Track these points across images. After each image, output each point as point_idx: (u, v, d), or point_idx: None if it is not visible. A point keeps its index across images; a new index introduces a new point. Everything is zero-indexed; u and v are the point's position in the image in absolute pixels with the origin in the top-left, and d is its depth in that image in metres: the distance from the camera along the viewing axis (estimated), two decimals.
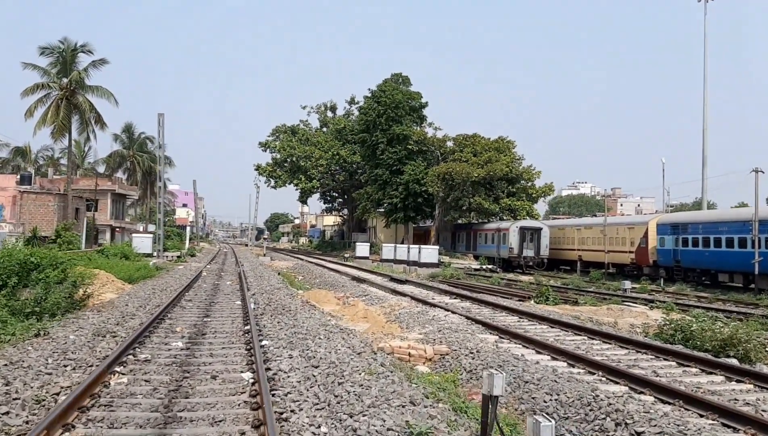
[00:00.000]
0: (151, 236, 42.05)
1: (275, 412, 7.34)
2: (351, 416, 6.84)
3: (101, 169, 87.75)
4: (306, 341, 11.43)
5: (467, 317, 17.22)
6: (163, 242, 44.95)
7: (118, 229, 73.03)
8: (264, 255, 58.88)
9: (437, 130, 74.94)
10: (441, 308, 19.41)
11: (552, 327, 16.59)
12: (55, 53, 51.29)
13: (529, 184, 65.04)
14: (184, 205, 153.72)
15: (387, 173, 68.10)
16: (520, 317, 18.45)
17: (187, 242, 71.55)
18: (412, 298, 22.58)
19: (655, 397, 9.53)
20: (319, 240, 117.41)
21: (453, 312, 18.27)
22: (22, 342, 11.00)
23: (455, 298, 24.22)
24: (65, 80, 51.09)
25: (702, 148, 53.74)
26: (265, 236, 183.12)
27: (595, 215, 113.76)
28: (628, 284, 34.86)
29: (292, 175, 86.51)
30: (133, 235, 46.05)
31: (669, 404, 9.17)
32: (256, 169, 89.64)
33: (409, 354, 12.84)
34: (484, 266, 51.55)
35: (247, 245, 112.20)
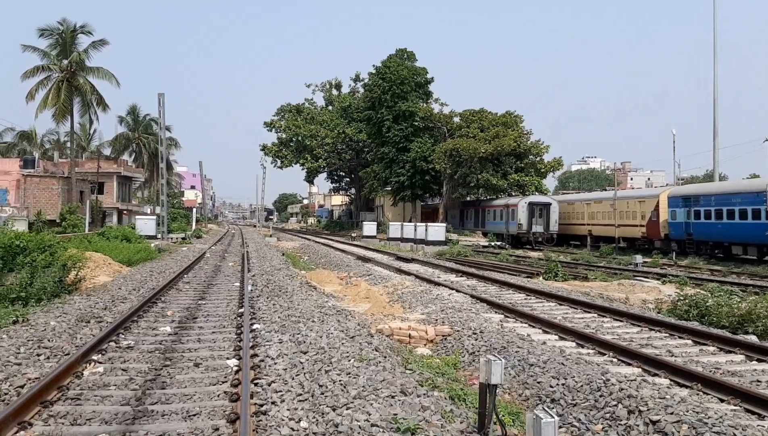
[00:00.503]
0: (155, 217, 41.54)
1: (255, 404, 6.73)
2: (334, 409, 6.21)
3: (107, 152, 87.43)
4: (298, 325, 10.81)
5: (472, 296, 16.56)
6: (168, 223, 44.44)
7: (125, 211, 72.64)
8: (270, 236, 58.38)
9: (444, 106, 74.03)
10: (445, 286, 18.76)
11: (560, 304, 15.91)
12: (55, 35, 50.58)
13: (538, 159, 64.04)
14: (192, 187, 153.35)
15: (393, 151, 67.25)
16: (528, 295, 17.78)
17: (194, 223, 71.13)
18: (417, 277, 21.94)
19: (671, 380, 8.85)
20: (327, 220, 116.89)
21: (458, 291, 17.62)
22: None
23: (461, 276, 23.57)
24: (65, 62, 50.41)
25: (713, 119, 52.43)
26: (271, 217, 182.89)
27: (605, 190, 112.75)
28: (639, 259, 34.12)
29: (298, 154, 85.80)
30: (137, 217, 45.58)
31: (686, 387, 8.49)
32: (262, 150, 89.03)
33: (410, 336, 12.21)
34: (492, 243, 50.87)
35: (255, 226, 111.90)
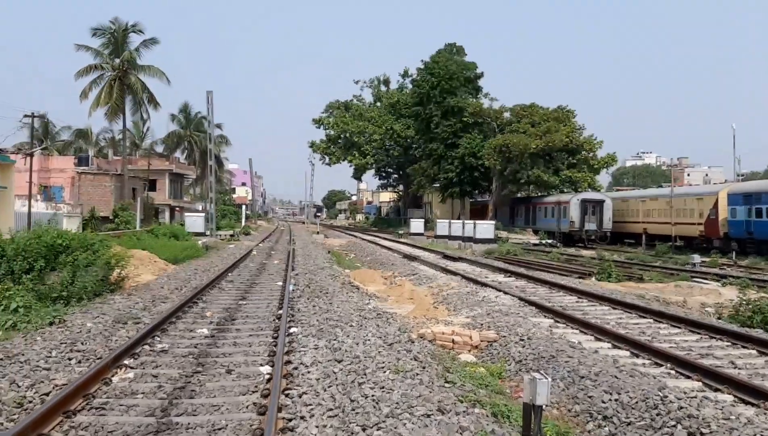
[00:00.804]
0: (203, 215, 41.88)
1: (283, 418, 6.34)
2: (364, 430, 5.76)
3: (160, 149, 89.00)
4: (336, 330, 10.42)
5: (521, 298, 15.92)
6: (216, 220, 44.78)
7: (177, 208, 73.74)
8: (317, 233, 58.42)
9: (493, 101, 72.95)
10: (493, 287, 18.15)
11: (614, 308, 15.14)
12: (107, 34, 51.54)
13: (591, 154, 62.51)
14: (243, 184, 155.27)
15: (442, 147, 66.55)
16: (579, 297, 17.03)
17: (243, 220, 71.71)
18: (463, 277, 21.36)
19: (735, 396, 8.13)
20: (375, 217, 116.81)
21: (505, 292, 16.99)
22: (34, 331, 10.33)
23: (509, 276, 22.89)
24: (117, 61, 51.32)
25: None
26: (320, 214, 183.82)
27: (661, 186, 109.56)
28: (697, 258, 32.80)
29: (345, 151, 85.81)
30: (186, 214, 46.05)
31: (752, 405, 7.78)
32: (310, 147, 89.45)
33: (453, 341, 11.69)
34: (543, 241, 49.77)
35: (303, 223, 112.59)
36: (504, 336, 11.72)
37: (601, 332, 11.96)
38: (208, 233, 41.54)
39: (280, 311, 12.73)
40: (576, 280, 23.49)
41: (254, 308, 13.93)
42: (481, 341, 11.77)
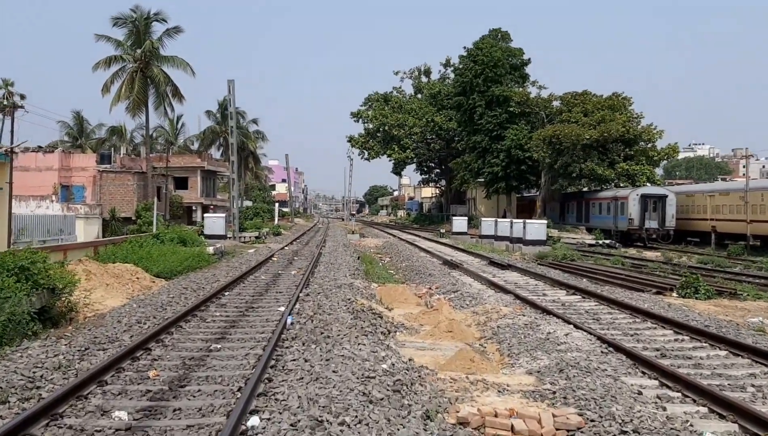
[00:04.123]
0: (224, 215, 38.36)
1: None
2: None
3: (195, 146, 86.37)
4: (326, 415, 6.28)
5: (601, 338, 11.54)
6: (239, 221, 41.14)
7: (211, 206, 70.69)
8: (353, 232, 54.46)
9: (542, 89, 67.84)
10: (557, 316, 13.79)
11: (737, 355, 10.67)
12: (128, 23, 48.33)
13: (649, 145, 57.05)
14: (283, 181, 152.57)
15: (486, 139, 61.87)
16: (677, 332, 12.54)
17: (276, 218, 68.23)
18: (516, 296, 17.02)
19: None
20: (417, 213, 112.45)
21: (576, 327, 12.62)
22: None
23: (573, 293, 18.45)
24: (138, 51, 48.07)
25: None
26: (360, 211, 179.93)
27: (718, 179, 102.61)
28: None
29: (385, 145, 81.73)
30: (205, 215, 42.60)
31: None
32: (349, 141, 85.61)
33: (512, 429, 7.49)
34: (599, 241, 44.88)
35: (343, 220, 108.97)
36: (592, 420, 7.44)
37: (744, 414, 7.56)
38: (230, 235, 37.93)
39: (253, 370, 8.66)
40: (655, 296, 19.02)
41: (225, 360, 9.93)
42: (558, 427, 7.50)
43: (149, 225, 41.87)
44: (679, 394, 8.55)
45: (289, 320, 12.30)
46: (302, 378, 8.25)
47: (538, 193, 63.84)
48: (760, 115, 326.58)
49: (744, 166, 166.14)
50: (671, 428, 7.03)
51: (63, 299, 12.47)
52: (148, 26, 49.21)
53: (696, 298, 19.05)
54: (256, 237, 41.81)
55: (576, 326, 12.59)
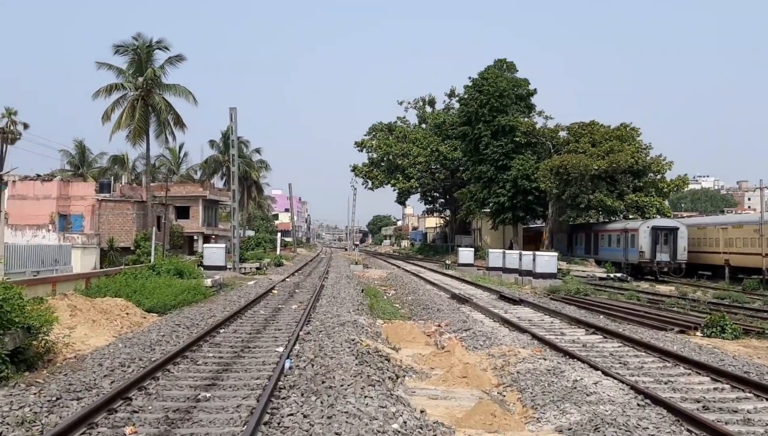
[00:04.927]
0: (224, 246, 37.26)
1: None
2: None
3: (198, 176, 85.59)
4: None
5: (634, 388, 10.36)
6: (239, 251, 40.02)
7: (212, 236, 69.67)
8: (356, 263, 53.27)
9: (548, 119, 67.24)
10: (582, 360, 12.60)
11: None
12: (130, 51, 47.78)
13: (659, 177, 56.10)
14: (287, 210, 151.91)
15: (492, 169, 61.03)
16: (715, 381, 11.35)
17: (278, 248, 67.08)
18: (534, 335, 15.83)
19: None
20: (421, 243, 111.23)
21: (605, 374, 11.43)
22: None
23: (592, 332, 17.25)
24: (140, 79, 47.44)
25: None
26: (363, 241, 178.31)
27: (723, 212, 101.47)
28: None
29: (389, 175, 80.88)
30: (205, 246, 41.57)
31: None
32: (352, 170, 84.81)
33: None
34: (611, 275, 43.62)
35: (346, 250, 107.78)
36: None
37: None
38: (230, 266, 36.79)
39: (245, 428, 7.51)
40: (678, 335, 17.84)
41: (213, 412, 8.78)
42: None
43: (148, 255, 40.78)
44: None
45: (287, 365, 11.16)
46: None
47: (545, 225, 62.78)
48: (761, 145, 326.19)
49: (749, 199, 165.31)
50: None
51: (40, 338, 11.36)
52: (150, 54, 48.63)
53: (723, 337, 17.87)
54: (257, 268, 40.66)
55: (605, 373, 11.40)
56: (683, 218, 55.01)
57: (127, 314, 16.63)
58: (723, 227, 46.28)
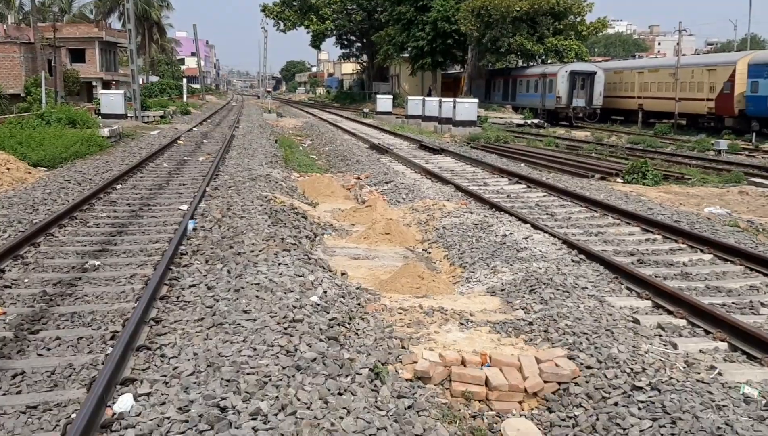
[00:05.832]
0: (122, 93, 34.31)
1: None
2: None
3: (92, 16, 78.34)
4: (232, 420, 4.14)
5: (566, 242, 9.78)
6: (140, 98, 37.08)
7: (112, 82, 64.87)
8: (269, 111, 50.92)
9: None
10: (509, 213, 11.95)
11: (726, 260, 9.12)
12: None
13: (579, 19, 55.08)
14: (193, 54, 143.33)
15: (411, 10, 58.15)
16: (646, 231, 10.94)
17: (185, 95, 63.33)
18: (457, 187, 15.09)
19: None
20: (338, 91, 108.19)
21: (534, 227, 10.81)
22: None
23: (515, 181, 16.68)
24: None
25: None
26: (277, 88, 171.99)
27: (635, 56, 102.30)
28: (723, 144, 27.09)
29: (302, 15, 76.28)
30: (101, 92, 38.28)
31: None
32: (263, 10, 79.34)
33: (487, 383, 5.62)
34: (528, 121, 43.50)
35: (258, 97, 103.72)
36: (590, 369, 5.64)
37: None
38: (131, 114, 34.11)
39: (137, 304, 6.37)
40: (600, 182, 17.66)
41: (102, 285, 7.61)
42: (545, 381, 5.67)
43: (40, 103, 37.33)
44: (685, 321, 6.89)
45: (190, 226, 9.95)
46: (201, 320, 6.05)
47: (463, 71, 61.45)
48: None
49: (659, 44, 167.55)
50: (697, 381, 5.31)
51: None
52: None
53: (644, 183, 17.82)
54: (161, 117, 37.99)
55: (534, 226, 10.78)
56: (598, 63, 54.70)
57: (8, 169, 14.69)
58: (639, 70, 46.38)
